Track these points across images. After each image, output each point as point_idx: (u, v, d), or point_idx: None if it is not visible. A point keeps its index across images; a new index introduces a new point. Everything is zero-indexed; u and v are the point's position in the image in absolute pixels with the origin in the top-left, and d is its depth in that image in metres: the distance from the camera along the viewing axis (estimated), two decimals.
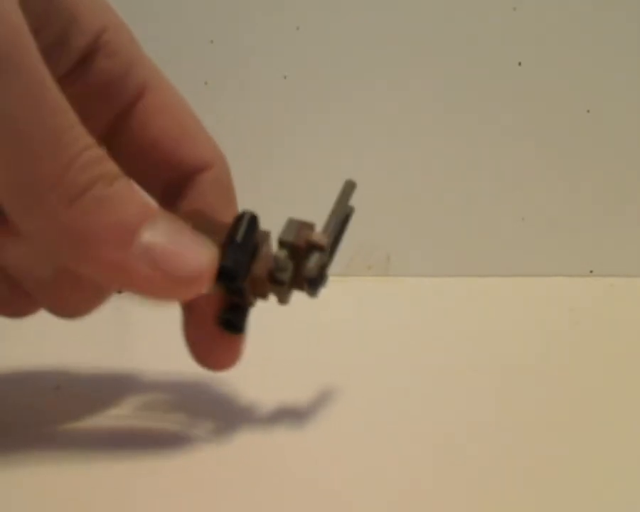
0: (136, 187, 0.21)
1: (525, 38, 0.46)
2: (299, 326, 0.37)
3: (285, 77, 0.45)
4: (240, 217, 0.22)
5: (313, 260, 0.22)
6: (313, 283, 0.22)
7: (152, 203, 0.21)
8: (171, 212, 0.21)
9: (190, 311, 0.24)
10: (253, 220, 0.22)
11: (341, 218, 0.23)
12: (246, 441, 0.23)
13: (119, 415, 0.26)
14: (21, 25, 0.19)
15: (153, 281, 0.20)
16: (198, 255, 0.20)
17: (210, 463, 0.22)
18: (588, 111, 0.47)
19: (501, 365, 0.31)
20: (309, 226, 0.23)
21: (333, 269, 0.22)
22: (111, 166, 0.20)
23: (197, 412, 0.26)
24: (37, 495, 0.20)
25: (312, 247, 0.22)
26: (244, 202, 0.25)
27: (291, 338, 0.35)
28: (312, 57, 0.42)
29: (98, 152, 0.20)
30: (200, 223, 0.21)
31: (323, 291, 0.22)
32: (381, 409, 0.26)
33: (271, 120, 0.45)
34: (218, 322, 0.23)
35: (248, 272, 0.22)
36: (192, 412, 0.25)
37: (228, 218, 0.23)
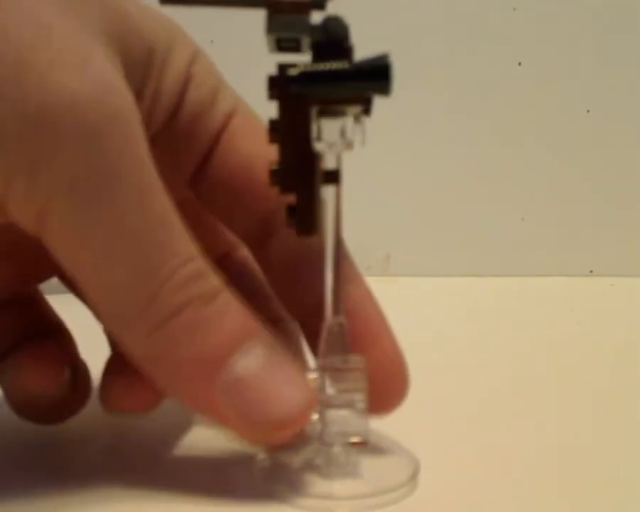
0: (234, 303, 0.18)
1: (525, 38, 0.46)
2: None
3: None
4: None
5: None
6: None
7: (249, 320, 0.18)
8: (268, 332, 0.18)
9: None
10: None
11: None
12: None
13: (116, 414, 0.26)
14: (135, 125, 0.17)
15: (237, 422, 0.18)
16: (290, 398, 0.18)
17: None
18: (588, 111, 0.47)
19: (501, 365, 0.31)
20: None
21: None
22: (210, 282, 0.18)
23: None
24: (36, 493, 0.20)
25: None
26: None
27: None
28: None
29: (198, 266, 0.18)
30: None
31: None
32: None
33: None
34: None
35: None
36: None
37: None
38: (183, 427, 0.24)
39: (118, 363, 0.21)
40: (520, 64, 0.46)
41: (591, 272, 0.48)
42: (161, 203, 0.18)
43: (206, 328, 0.17)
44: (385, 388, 0.21)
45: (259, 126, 0.21)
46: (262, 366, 0.18)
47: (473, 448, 0.23)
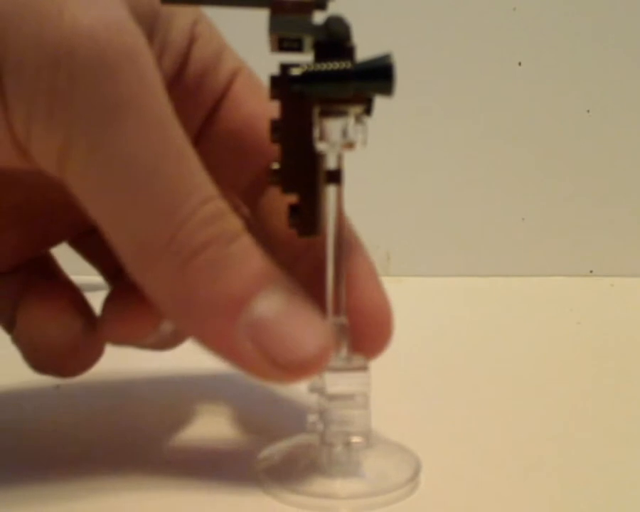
0: (256, 248, 0.18)
1: (525, 38, 0.46)
2: None
3: None
4: None
5: None
6: None
7: (270, 264, 0.18)
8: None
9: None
10: None
11: None
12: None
13: (118, 413, 0.26)
14: (148, 59, 0.17)
15: (256, 363, 0.18)
16: (311, 340, 0.18)
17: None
18: (588, 111, 0.47)
19: (501, 365, 0.31)
20: None
21: None
22: (231, 222, 0.18)
23: (192, 404, 0.26)
24: (36, 492, 0.20)
25: None
26: None
27: None
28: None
29: (219, 205, 0.18)
30: None
31: None
32: (379, 409, 0.26)
33: None
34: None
35: None
36: (188, 405, 0.26)
37: None
38: (183, 426, 0.24)
39: (116, 295, 0.22)
40: (520, 64, 0.46)
41: (591, 272, 0.48)
42: (179, 136, 0.17)
43: (228, 268, 0.17)
44: (367, 332, 0.21)
45: (261, 86, 0.22)
46: (282, 308, 0.18)
47: (473, 448, 0.23)
